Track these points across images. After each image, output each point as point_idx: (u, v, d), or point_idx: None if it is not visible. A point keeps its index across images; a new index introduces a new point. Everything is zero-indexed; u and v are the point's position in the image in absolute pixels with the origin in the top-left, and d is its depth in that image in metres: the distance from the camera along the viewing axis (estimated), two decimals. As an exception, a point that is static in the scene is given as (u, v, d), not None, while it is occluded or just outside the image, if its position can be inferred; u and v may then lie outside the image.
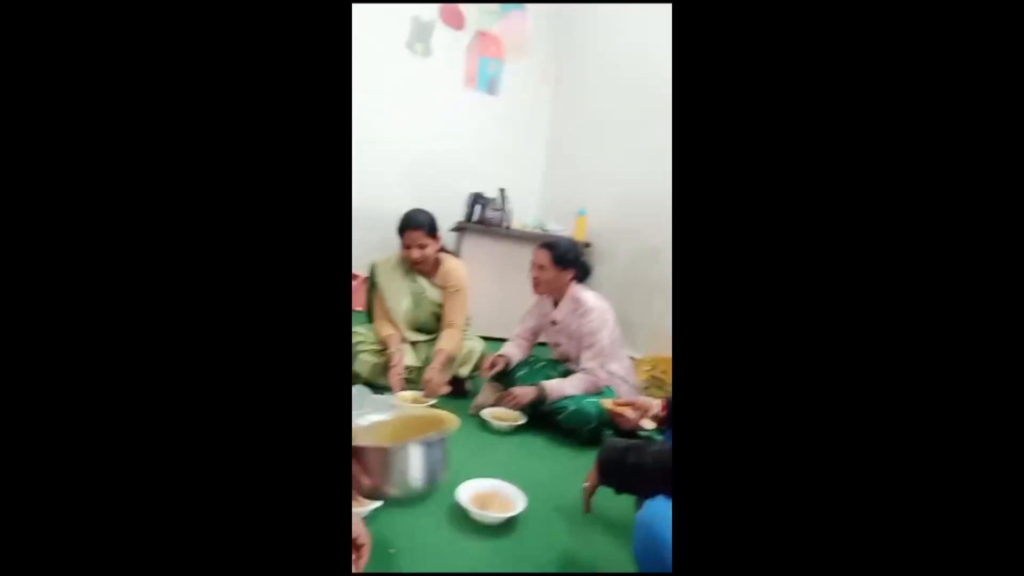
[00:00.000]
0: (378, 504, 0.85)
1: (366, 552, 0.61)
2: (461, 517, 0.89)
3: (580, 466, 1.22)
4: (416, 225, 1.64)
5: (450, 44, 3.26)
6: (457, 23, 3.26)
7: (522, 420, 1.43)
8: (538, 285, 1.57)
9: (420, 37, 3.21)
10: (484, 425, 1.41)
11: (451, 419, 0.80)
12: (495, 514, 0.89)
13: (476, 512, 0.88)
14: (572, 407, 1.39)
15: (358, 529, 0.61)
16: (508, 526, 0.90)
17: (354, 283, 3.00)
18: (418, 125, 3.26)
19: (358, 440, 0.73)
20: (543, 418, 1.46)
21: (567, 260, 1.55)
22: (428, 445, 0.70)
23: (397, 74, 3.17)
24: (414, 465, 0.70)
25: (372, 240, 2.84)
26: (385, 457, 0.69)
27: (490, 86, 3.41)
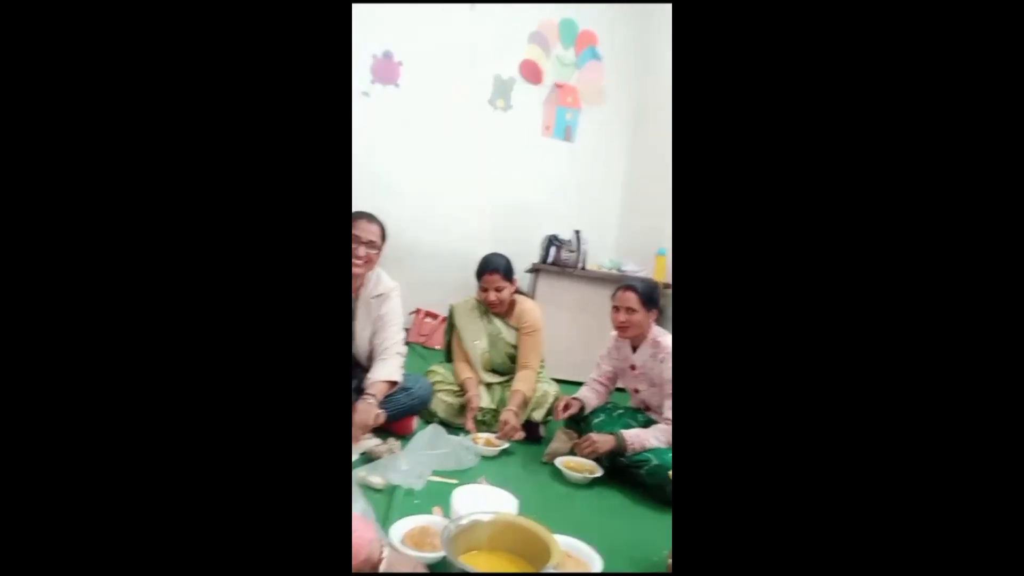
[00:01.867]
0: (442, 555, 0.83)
1: None
2: None
3: (664, 528, 1.11)
4: (493, 269, 1.68)
5: (529, 98, 3.45)
6: (535, 78, 3.45)
7: (599, 472, 1.34)
8: (626, 329, 1.48)
9: (501, 93, 3.43)
10: (558, 475, 1.35)
11: (555, 545, 0.76)
12: None
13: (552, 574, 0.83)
14: (655, 461, 1.28)
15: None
16: (583, 591, 0.83)
17: (434, 322, 3.13)
18: (498, 173, 3.43)
19: (450, 543, 0.73)
20: (622, 472, 1.36)
21: (652, 301, 1.48)
22: None
23: (480, 128, 3.40)
24: None
25: (455, 281, 2.97)
26: None
27: (566, 134, 3.51)
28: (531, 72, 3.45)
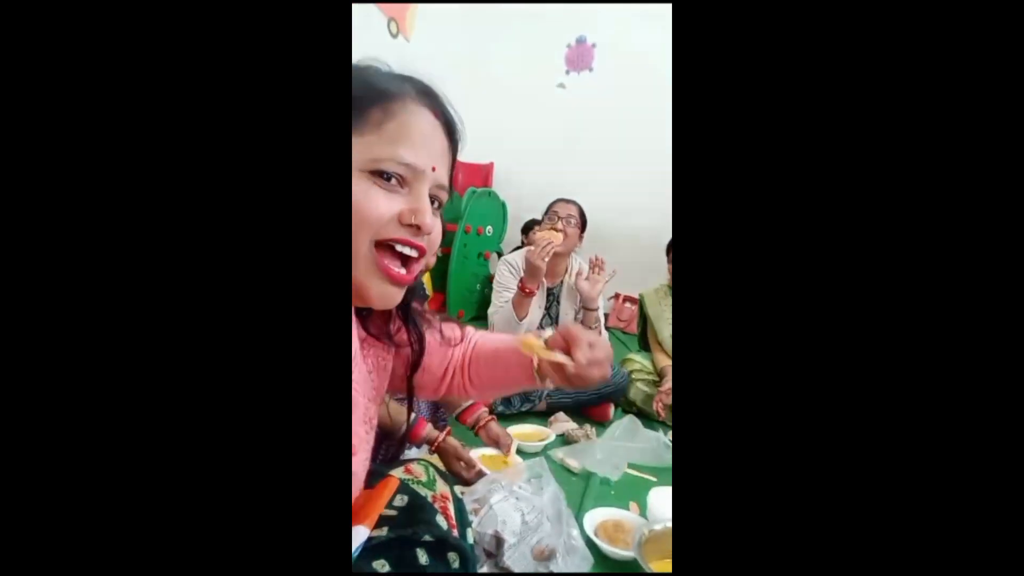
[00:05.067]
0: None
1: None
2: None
3: None
4: None
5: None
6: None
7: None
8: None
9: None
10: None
11: None
12: None
13: None
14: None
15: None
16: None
17: (633, 308, 3.06)
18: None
19: (642, 547, 0.74)
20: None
21: None
22: None
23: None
24: None
25: (651, 263, 2.83)
26: None
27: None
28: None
